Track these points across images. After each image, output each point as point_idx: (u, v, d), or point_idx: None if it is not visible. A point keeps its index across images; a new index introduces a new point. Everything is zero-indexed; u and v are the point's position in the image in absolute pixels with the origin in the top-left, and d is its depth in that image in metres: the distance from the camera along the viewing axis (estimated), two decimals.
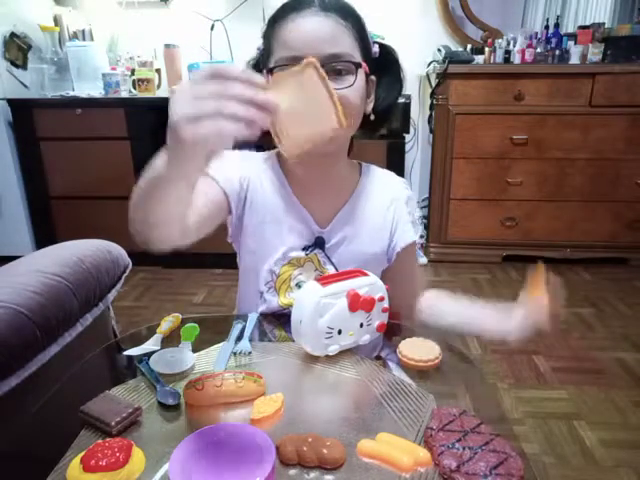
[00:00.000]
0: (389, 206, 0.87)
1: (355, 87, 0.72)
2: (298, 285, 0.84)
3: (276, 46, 0.73)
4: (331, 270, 0.84)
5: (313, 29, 0.70)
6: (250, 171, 0.84)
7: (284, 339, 0.79)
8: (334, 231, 0.84)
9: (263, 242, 0.84)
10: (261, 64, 0.78)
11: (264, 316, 0.85)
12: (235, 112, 0.43)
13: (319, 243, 0.83)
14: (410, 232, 0.87)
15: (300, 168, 0.83)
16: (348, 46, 0.72)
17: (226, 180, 0.81)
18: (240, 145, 0.80)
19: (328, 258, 0.84)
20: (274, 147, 0.75)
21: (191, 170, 0.53)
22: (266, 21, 0.78)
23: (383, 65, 0.81)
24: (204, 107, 0.43)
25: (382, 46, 0.83)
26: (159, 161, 0.53)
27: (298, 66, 0.53)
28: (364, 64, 0.74)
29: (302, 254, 0.84)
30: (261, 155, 0.89)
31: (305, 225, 0.84)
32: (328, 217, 0.84)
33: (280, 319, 0.84)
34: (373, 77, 0.80)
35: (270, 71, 0.73)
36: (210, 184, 0.79)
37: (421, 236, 0.88)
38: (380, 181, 0.89)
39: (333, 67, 0.70)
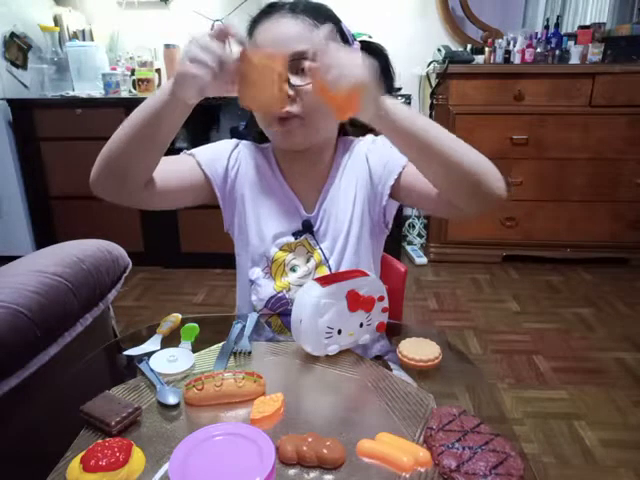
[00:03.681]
0: (359, 169, 0.87)
1: None
2: (293, 269, 0.87)
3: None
4: (321, 252, 0.86)
5: (280, 30, 0.75)
6: (241, 159, 0.89)
7: (280, 328, 0.82)
8: (319, 213, 0.87)
9: (254, 228, 0.88)
10: None
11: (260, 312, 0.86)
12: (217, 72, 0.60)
13: (307, 227, 0.86)
14: (390, 168, 0.83)
15: (290, 158, 0.87)
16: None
17: (209, 164, 0.86)
18: (243, 136, 0.84)
19: (317, 241, 0.87)
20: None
21: (185, 96, 0.64)
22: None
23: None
24: (204, 57, 0.60)
25: (367, 45, 0.84)
26: (155, 97, 0.67)
27: (270, 55, 0.64)
28: None
29: (292, 239, 0.87)
30: (256, 146, 0.92)
31: (294, 210, 0.87)
32: (313, 200, 0.88)
33: (276, 307, 0.86)
34: None
35: None
36: (190, 165, 0.85)
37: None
38: (352, 151, 0.89)
39: (297, 64, 0.73)
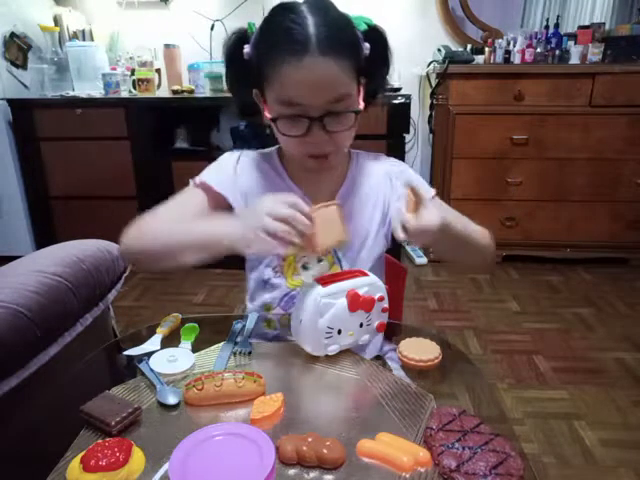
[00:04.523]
0: (379, 184, 0.89)
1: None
2: (304, 267, 0.87)
3: (276, 83, 0.73)
4: (333, 252, 0.86)
5: (314, 80, 0.70)
6: (245, 170, 0.89)
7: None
8: None
9: None
10: (252, 77, 0.78)
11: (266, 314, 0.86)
12: (289, 239, 0.63)
13: None
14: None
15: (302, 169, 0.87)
16: (347, 84, 0.74)
17: (219, 183, 0.85)
18: (244, 136, 0.83)
19: None
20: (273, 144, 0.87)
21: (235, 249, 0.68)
22: (258, 29, 0.78)
23: (372, 50, 0.80)
24: (275, 227, 0.63)
25: (374, 30, 0.80)
26: (209, 238, 0.71)
27: (326, 204, 0.71)
28: (362, 104, 0.78)
29: None
30: (257, 153, 0.92)
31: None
32: (326, 200, 0.87)
33: (289, 305, 0.86)
34: (362, 79, 0.80)
35: (274, 120, 0.76)
36: (202, 197, 0.85)
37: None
38: (369, 163, 0.92)
39: (333, 112, 0.73)
